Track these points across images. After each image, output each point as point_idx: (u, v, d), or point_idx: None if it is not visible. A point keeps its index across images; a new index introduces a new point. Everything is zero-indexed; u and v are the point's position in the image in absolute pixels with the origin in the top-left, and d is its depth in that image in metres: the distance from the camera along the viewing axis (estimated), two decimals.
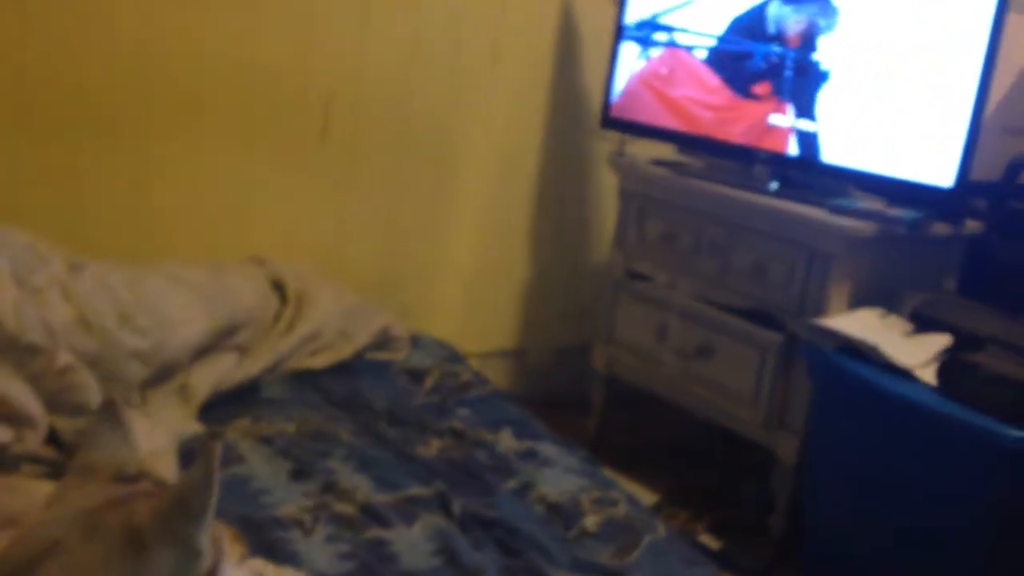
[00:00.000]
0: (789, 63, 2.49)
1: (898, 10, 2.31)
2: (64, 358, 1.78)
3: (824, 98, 2.43)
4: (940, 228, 2.35)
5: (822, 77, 2.43)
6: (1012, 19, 2.57)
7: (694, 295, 2.61)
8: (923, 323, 2.21)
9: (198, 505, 0.90)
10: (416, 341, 2.57)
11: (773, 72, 2.52)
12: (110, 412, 1.05)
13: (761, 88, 2.56)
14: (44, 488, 1.47)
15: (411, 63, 2.79)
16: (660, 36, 2.75)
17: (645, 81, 2.78)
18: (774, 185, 2.49)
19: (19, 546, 0.95)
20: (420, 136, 2.86)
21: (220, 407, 2.09)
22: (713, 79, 2.65)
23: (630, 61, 2.81)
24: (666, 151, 2.89)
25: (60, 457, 1.71)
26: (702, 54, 2.67)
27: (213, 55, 2.49)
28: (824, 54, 2.42)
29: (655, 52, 2.76)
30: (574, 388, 3.07)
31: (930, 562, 2.09)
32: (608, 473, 2.08)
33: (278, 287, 2.42)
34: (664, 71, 2.75)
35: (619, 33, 2.82)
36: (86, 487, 1.00)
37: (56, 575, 0.90)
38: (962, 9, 2.22)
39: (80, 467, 1.03)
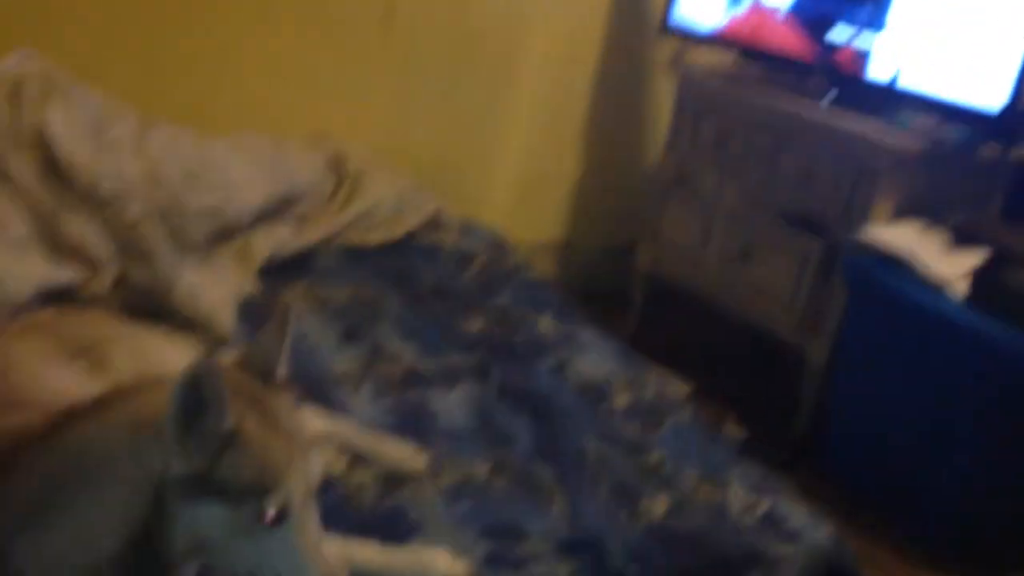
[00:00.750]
0: None
1: None
2: (135, 209, 1.89)
3: (887, 17, 2.43)
4: (989, 150, 2.36)
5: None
6: None
7: (741, 200, 2.66)
8: (962, 239, 2.25)
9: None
10: (466, 227, 2.65)
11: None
12: (283, 318, 1.11)
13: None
14: (114, 324, 1.59)
15: None
16: None
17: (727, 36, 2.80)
18: (829, 98, 2.51)
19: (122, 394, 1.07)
20: (482, 28, 2.91)
21: (277, 272, 2.21)
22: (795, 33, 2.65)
23: None
24: (726, 58, 2.91)
25: (128, 300, 1.83)
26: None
27: None
28: None
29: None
30: (617, 286, 3.15)
31: (940, 471, 2.17)
32: None
33: (338, 164, 2.52)
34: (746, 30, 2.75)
35: None
36: (233, 376, 1.07)
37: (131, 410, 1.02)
38: None
39: (241, 360, 1.10)
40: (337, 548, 1.30)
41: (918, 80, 2.38)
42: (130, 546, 0.99)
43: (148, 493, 0.98)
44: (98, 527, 1.00)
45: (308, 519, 1.02)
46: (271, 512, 0.97)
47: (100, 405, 1.05)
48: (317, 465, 1.06)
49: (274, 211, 2.27)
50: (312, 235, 2.32)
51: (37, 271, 1.70)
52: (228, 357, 1.14)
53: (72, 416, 1.05)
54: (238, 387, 1.02)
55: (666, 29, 2.91)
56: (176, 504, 0.97)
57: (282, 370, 1.10)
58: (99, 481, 1.00)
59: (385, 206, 2.50)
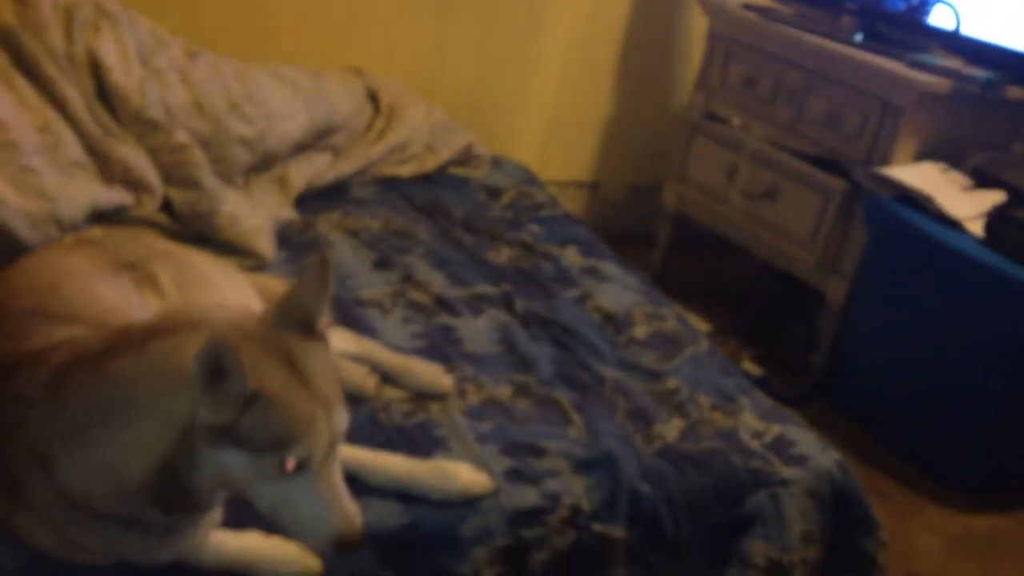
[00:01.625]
0: None
1: None
2: (180, 136, 1.97)
3: None
4: (1015, 92, 2.38)
5: None
6: None
7: (767, 139, 2.70)
8: (982, 180, 2.29)
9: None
10: (496, 162, 2.71)
11: None
12: (322, 268, 1.12)
13: None
14: (160, 242, 1.68)
15: None
16: None
17: None
18: (859, 36, 2.53)
19: (178, 315, 1.15)
20: None
21: (313, 201, 2.29)
22: None
23: None
24: None
25: (172, 224, 1.92)
26: None
27: None
28: None
29: None
30: (643, 225, 3.20)
31: (955, 407, 2.23)
32: None
33: (373, 98, 2.58)
34: None
35: None
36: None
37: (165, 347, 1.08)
38: None
39: (282, 304, 1.12)
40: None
41: (947, 20, 2.40)
42: (155, 476, 1.06)
43: (176, 433, 1.04)
44: (130, 454, 1.07)
45: (330, 470, 1.08)
46: (291, 463, 1.03)
47: (145, 337, 1.10)
48: (344, 418, 1.10)
49: (312, 142, 2.34)
50: (348, 166, 2.39)
51: (89, 192, 1.78)
52: (273, 295, 1.17)
53: (120, 344, 1.11)
54: (271, 343, 1.06)
55: None
56: (202, 448, 1.04)
57: (324, 320, 1.13)
58: (134, 414, 1.06)
59: (418, 140, 2.56)
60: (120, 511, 1.10)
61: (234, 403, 1.01)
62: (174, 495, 1.08)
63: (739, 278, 3.20)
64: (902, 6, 2.49)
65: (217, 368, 0.99)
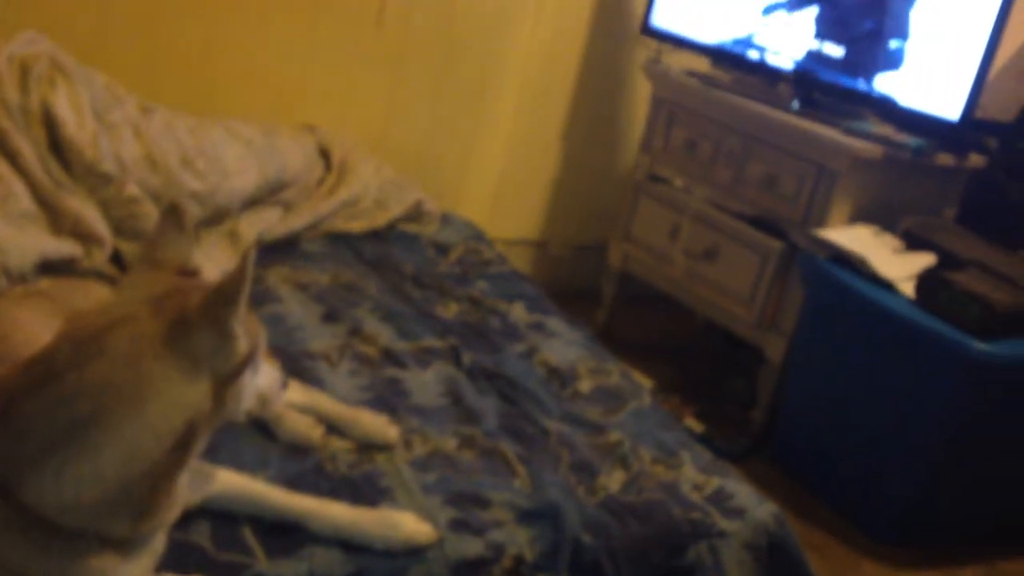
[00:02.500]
0: None
1: None
2: (132, 189, 1.99)
3: (852, 27, 2.55)
4: (944, 159, 2.49)
5: (861, 9, 2.56)
6: None
7: (708, 200, 2.78)
8: (913, 243, 2.38)
9: (233, 294, 1.11)
10: (446, 219, 2.76)
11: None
12: (175, 214, 1.21)
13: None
14: (107, 294, 1.69)
15: None
16: None
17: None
18: (796, 103, 2.63)
19: (95, 314, 1.16)
20: (468, 30, 3.01)
21: (263, 255, 2.29)
22: None
23: None
24: (700, 63, 3.03)
25: (121, 276, 1.93)
26: None
27: None
28: None
29: None
30: (589, 283, 3.26)
31: (888, 461, 2.29)
32: None
33: (324, 154, 2.62)
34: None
35: None
36: (153, 276, 1.20)
37: (124, 342, 1.10)
38: None
39: (148, 259, 1.21)
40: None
41: (879, 88, 2.50)
42: (177, 441, 1.10)
43: (204, 386, 1.12)
44: (140, 446, 1.08)
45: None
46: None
47: (87, 340, 1.11)
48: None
49: (263, 197, 2.36)
50: (298, 221, 2.41)
51: (38, 243, 1.79)
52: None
53: (61, 360, 1.10)
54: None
55: (645, 32, 3.02)
56: (228, 390, 1.15)
57: (194, 261, 1.23)
58: (132, 408, 1.07)
59: (369, 196, 2.60)
60: (92, 524, 1.11)
61: (229, 338, 1.12)
62: (161, 490, 1.12)
63: (682, 335, 3.26)
64: (836, 77, 2.60)
65: (215, 320, 1.09)
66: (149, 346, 1.09)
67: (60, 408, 1.08)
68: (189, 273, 1.20)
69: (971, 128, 2.45)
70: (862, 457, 2.35)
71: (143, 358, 1.08)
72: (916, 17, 2.44)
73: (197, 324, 1.10)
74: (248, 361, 1.17)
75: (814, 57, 2.64)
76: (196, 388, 1.11)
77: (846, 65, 2.58)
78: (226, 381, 1.14)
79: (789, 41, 2.69)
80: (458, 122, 3.12)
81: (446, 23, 2.97)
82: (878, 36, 2.51)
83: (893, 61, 2.48)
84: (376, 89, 2.95)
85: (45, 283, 1.75)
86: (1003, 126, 2.71)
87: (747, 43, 2.79)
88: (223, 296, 1.11)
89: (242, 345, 1.15)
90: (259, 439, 1.57)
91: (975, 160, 2.57)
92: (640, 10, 3.08)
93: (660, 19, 2.97)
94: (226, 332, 1.12)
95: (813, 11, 2.64)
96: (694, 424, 2.65)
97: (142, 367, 1.08)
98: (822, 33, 2.63)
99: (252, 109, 2.65)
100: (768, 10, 2.75)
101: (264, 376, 1.25)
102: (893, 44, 2.48)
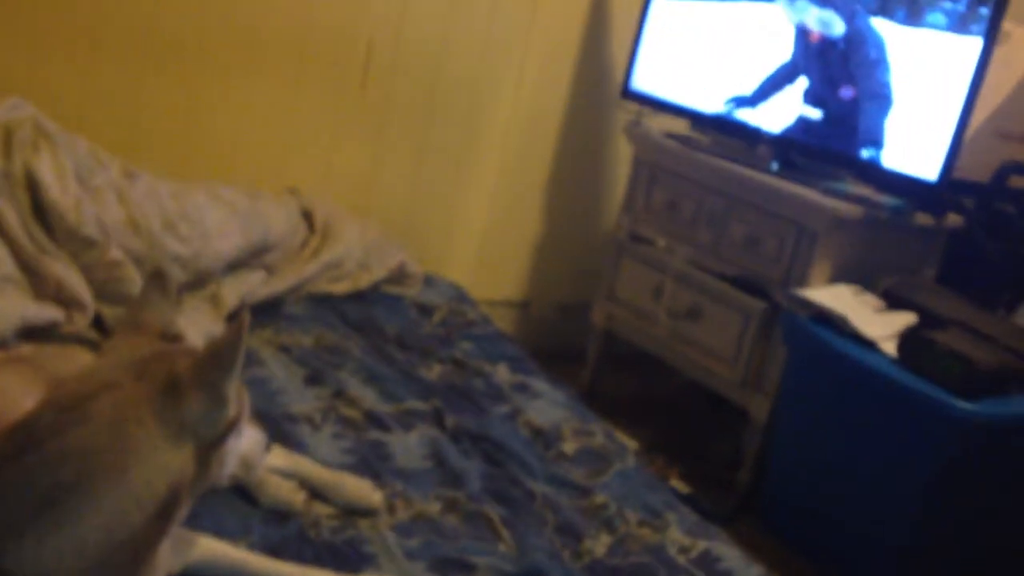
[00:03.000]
0: (812, 55, 2.66)
1: (899, 34, 2.48)
2: (114, 253, 1.98)
3: (829, 93, 2.60)
4: (923, 219, 2.52)
5: (836, 73, 2.60)
6: (1018, 31, 2.74)
7: (690, 260, 2.80)
8: (894, 302, 2.39)
9: (228, 359, 1.10)
10: (429, 280, 2.77)
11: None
12: (159, 279, 1.22)
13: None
14: (90, 359, 1.68)
15: (449, 24, 2.97)
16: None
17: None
18: (775, 165, 2.66)
19: (78, 381, 1.15)
20: (451, 93, 3.05)
21: None
22: None
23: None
24: (680, 125, 3.07)
25: (104, 340, 1.92)
26: None
27: (273, 1, 2.69)
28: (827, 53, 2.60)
29: None
30: (573, 343, 3.26)
31: (874, 519, 2.28)
32: None
33: (308, 217, 2.63)
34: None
35: (646, 9, 2.98)
36: (136, 341, 1.19)
37: (107, 408, 1.09)
38: (960, 18, 2.37)
39: (131, 324, 1.21)
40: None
41: (858, 150, 2.54)
42: (160, 507, 1.08)
43: (175, 471, 1.09)
44: (126, 503, 1.06)
45: None
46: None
47: (71, 406, 1.09)
48: None
49: (246, 260, 2.37)
50: (281, 284, 2.42)
51: (19, 308, 1.78)
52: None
53: (45, 426, 1.09)
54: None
55: (625, 95, 3.06)
56: (227, 444, 1.15)
57: (175, 327, 1.23)
58: (116, 475, 1.05)
59: (352, 258, 2.60)
60: None
61: (222, 404, 1.11)
62: (143, 558, 1.10)
63: (666, 395, 3.26)
64: (815, 139, 2.63)
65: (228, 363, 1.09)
66: (132, 412, 1.08)
67: (42, 475, 1.07)
68: (172, 338, 1.20)
69: (949, 188, 2.48)
70: (849, 516, 2.34)
71: (126, 424, 1.07)
72: (892, 80, 2.48)
73: (189, 389, 1.09)
74: (233, 425, 1.17)
75: (792, 120, 2.68)
76: (180, 454, 1.10)
77: (824, 128, 2.61)
78: (211, 446, 1.13)
79: (767, 105, 2.73)
80: (441, 184, 3.15)
81: (429, 86, 3.00)
82: (855, 100, 2.55)
83: (870, 124, 2.52)
84: (359, 152, 2.97)
85: (27, 349, 1.75)
86: (980, 186, 2.74)
87: (726, 110, 2.83)
88: (218, 360, 1.10)
89: (231, 410, 1.14)
90: (241, 505, 1.55)
91: (953, 220, 2.61)
92: (620, 74, 3.13)
93: (640, 82, 3.01)
94: (219, 397, 1.11)
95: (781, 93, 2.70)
96: (680, 485, 2.64)
97: (125, 433, 1.07)
98: (800, 98, 2.67)
99: (235, 173, 2.66)
100: (736, 102, 2.80)
101: (247, 439, 1.24)
102: (870, 107, 2.52)
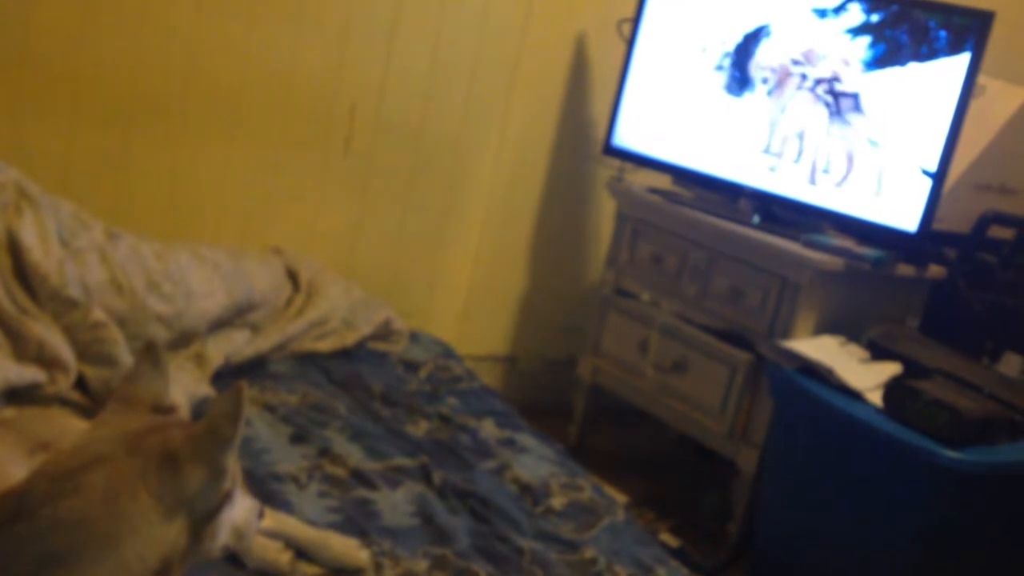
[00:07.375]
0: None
1: (879, 81, 2.52)
2: (97, 314, 1.97)
3: (806, 146, 2.63)
4: (904, 269, 2.54)
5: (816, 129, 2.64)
6: (993, 84, 2.79)
7: (675, 314, 2.81)
8: (878, 352, 2.40)
9: (228, 432, 1.10)
10: (414, 336, 2.77)
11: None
12: (152, 352, 1.21)
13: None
14: (73, 422, 1.67)
15: (431, 85, 3.01)
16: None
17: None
18: (756, 219, 2.69)
19: (69, 455, 1.14)
20: (434, 153, 3.07)
21: (230, 377, 2.28)
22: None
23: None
24: (662, 180, 3.10)
25: (86, 401, 1.91)
26: None
27: (255, 63, 2.71)
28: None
29: None
30: (560, 398, 3.25)
31: (864, 570, 2.27)
32: None
33: (292, 276, 2.63)
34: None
35: (626, 68, 3.02)
36: (128, 414, 1.18)
37: (100, 481, 1.08)
38: (937, 71, 2.42)
39: (123, 397, 1.20)
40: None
41: (838, 203, 2.57)
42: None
43: (181, 525, 1.09)
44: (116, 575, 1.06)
45: None
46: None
47: (66, 478, 1.09)
48: None
49: (231, 319, 2.36)
50: (266, 342, 2.41)
51: (1, 370, 1.77)
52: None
53: (40, 493, 1.08)
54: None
55: (607, 151, 3.09)
56: (218, 517, 1.13)
57: (168, 400, 1.23)
58: (108, 550, 1.05)
59: (337, 315, 2.60)
60: None
61: (220, 477, 1.11)
62: None
63: (654, 448, 3.25)
64: (795, 193, 2.66)
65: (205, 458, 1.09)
66: (125, 485, 1.07)
67: (32, 543, 1.05)
68: (164, 410, 1.19)
69: (929, 240, 2.51)
70: (838, 567, 2.33)
71: (119, 497, 1.06)
72: (871, 132, 2.52)
73: (187, 463, 1.09)
74: (228, 496, 1.16)
75: (772, 174, 2.70)
76: (173, 527, 1.09)
77: (805, 181, 2.64)
78: (206, 518, 1.12)
79: (747, 159, 2.76)
80: (425, 241, 3.16)
81: (412, 146, 3.02)
82: (835, 152, 2.59)
83: (851, 176, 2.55)
84: (344, 211, 2.98)
85: (9, 413, 1.73)
86: (961, 237, 2.77)
87: (706, 166, 2.86)
88: (217, 434, 1.09)
89: (228, 482, 1.13)
90: (226, 566, 1.53)
91: (935, 271, 2.63)
92: (602, 130, 3.16)
93: (622, 138, 3.05)
94: (218, 471, 1.10)
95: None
96: (670, 539, 2.62)
97: (118, 506, 1.06)
98: (779, 152, 2.70)
99: (220, 234, 2.67)
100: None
101: (240, 508, 1.22)
102: (850, 159, 2.56)
